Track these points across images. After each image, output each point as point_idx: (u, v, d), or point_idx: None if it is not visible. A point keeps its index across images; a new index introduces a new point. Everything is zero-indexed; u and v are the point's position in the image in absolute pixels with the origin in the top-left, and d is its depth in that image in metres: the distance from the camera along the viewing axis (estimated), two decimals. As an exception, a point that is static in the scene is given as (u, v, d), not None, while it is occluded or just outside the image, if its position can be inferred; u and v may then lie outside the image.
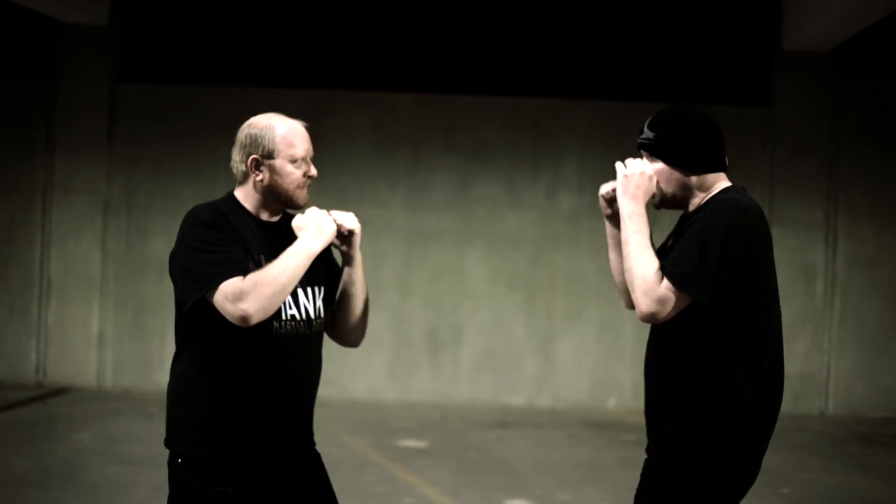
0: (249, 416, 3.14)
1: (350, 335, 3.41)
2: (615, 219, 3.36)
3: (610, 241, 3.44)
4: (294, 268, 3.08)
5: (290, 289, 3.08)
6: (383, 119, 10.34)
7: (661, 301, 3.02)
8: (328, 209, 3.31)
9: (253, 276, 3.03)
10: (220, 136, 10.13)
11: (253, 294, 2.99)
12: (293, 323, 3.19)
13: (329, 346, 3.42)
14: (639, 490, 3.28)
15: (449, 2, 10.66)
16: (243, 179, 3.26)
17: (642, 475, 3.29)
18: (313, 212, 3.23)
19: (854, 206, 10.19)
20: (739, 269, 3.07)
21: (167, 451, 3.25)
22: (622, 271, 3.27)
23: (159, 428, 8.78)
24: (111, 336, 10.26)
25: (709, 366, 3.14)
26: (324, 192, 10.00)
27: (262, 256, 3.15)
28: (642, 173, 3.21)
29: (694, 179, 3.21)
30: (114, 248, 10.29)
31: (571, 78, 10.56)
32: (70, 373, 10.23)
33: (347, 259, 3.36)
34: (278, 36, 10.68)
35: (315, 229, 3.17)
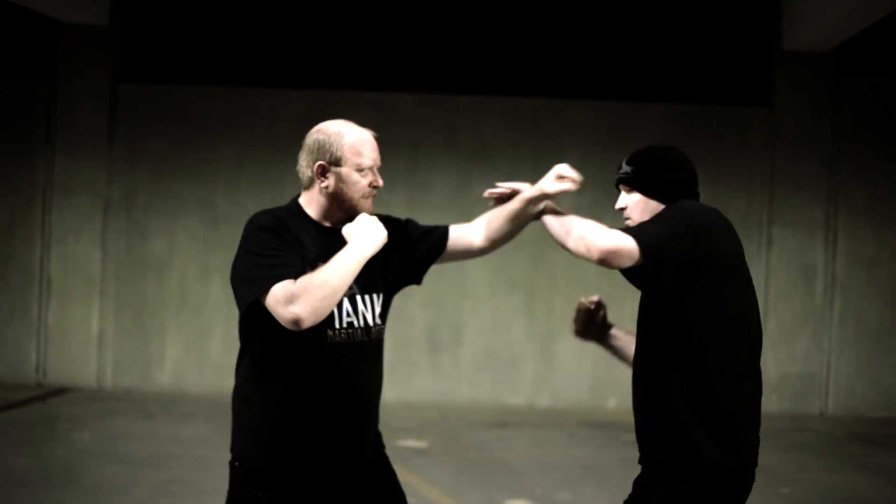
0: (305, 425, 3.12)
1: (499, 243, 3.50)
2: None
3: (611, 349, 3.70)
4: (344, 271, 3.03)
5: (342, 292, 3.03)
6: (383, 119, 10.33)
7: (620, 239, 3.11)
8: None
9: (304, 280, 2.99)
10: (220, 136, 10.18)
11: (304, 297, 2.96)
12: (350, 331, 3.17)
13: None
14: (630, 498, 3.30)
15: (449, 2, 10.66)
16: (309, 185, 3.24)
17: (635, 483, 3.32)
18: (364, 218, 3.20)
19: (854, 206, 10.19)
20: (698, 271, 3.13)
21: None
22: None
23: (159, 428, 8.79)
24: (111, 336, 10.26)
25: (684, 371, 3.18)
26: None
27: (320, 263, 3.10)
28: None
29: None
30: (114, 248, 10.29)
31: (571, 78, 10.56)
32: (70, 373, 10.23)
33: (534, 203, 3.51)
34: (278, 36, 10.67)
35: (365, 235, 3.13)
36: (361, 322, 3.19)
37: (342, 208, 3.23)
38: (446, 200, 10.28)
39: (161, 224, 10.22)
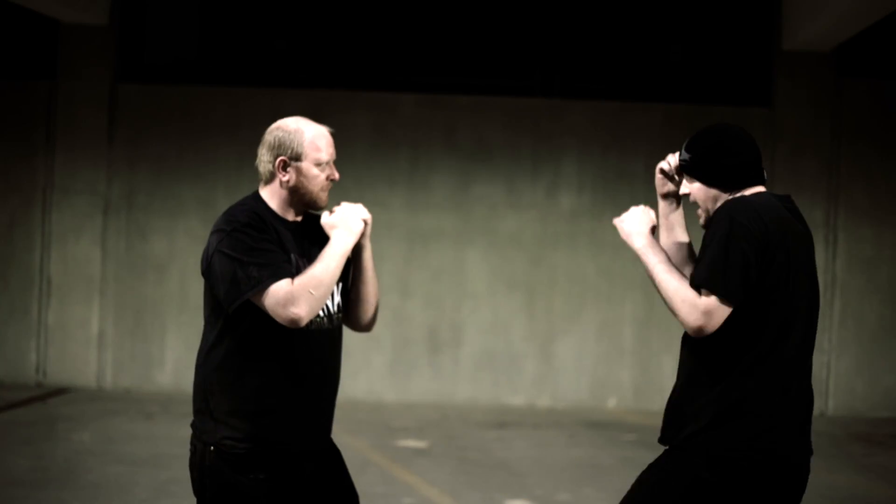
0: (281, 408, 3.25)
1: (363, 320, 3.53)
2: (670, 198, 3.47)
3: (663, 221, 3.51)
4: (335, 268, 3.23)
5: (332, 288, 3.22)
6: (383, 119, 10.34)
7: (706, 312, 3.08)
8: (331, 206, 3.41)
9: (301, 280, 3.16)
10: (220, 136, 10.19)
11: (304, 298, 3.13)
12: (318, 319, 3.30)
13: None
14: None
15: (449, 2, 10.67)
16: (270, 179, 3.37)
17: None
18: (343, 209, 3.36)
19: (854, 206, 10.19)
20: (760, 265, 3.09)
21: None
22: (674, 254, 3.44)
23: (159, 428, 8.77)
24: (111, 336, 10.26)
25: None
26: (324, 192, 10.00)
27: (293, 255, 3.27)
28: (637, 209, 3.37)
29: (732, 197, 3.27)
30: (114, 248, 10.29)
31: (571, 78, 10.57)
32: (70, 373, 10.23)
33: (358, 247, 3.44)
34: (278, 36, 10.68)
35: (346, 227, 3.31)
36: (326, 311, 3.34)
37: (302, 201, 3.36)
38: (446, 200, 10.28)
39: (161, 224, 10.22)
